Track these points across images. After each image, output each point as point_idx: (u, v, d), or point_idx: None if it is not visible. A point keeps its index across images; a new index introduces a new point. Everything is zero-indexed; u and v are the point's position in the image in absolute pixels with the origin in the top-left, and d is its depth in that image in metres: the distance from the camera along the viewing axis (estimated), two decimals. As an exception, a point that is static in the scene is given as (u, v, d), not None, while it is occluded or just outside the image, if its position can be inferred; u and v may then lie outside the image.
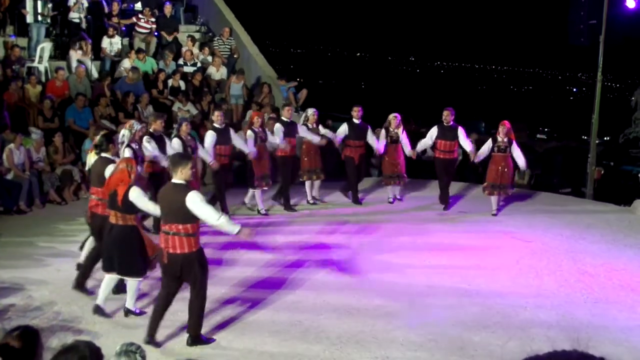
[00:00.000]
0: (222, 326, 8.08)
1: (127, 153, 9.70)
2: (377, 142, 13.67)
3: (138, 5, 18.55)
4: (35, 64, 15.95)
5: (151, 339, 7.48)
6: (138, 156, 9.78)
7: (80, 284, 8.97)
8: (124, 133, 10.01)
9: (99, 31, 17.17)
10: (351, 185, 14.00)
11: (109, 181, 8.15)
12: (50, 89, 15.14)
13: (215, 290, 9.04)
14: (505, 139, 12.80)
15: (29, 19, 16.26)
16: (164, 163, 10.60)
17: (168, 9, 18.16)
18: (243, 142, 12.48)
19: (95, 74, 16.35)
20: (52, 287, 9.16)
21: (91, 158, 9.61)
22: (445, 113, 13.31)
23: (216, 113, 12.44)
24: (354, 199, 13.86)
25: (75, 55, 16.06)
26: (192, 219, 7.28)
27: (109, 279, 8.32)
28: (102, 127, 13.95)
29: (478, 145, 13.68)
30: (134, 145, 10.00)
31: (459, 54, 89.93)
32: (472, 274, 9.88)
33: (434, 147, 13.52)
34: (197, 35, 18.73)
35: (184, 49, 17.79)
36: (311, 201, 13.72)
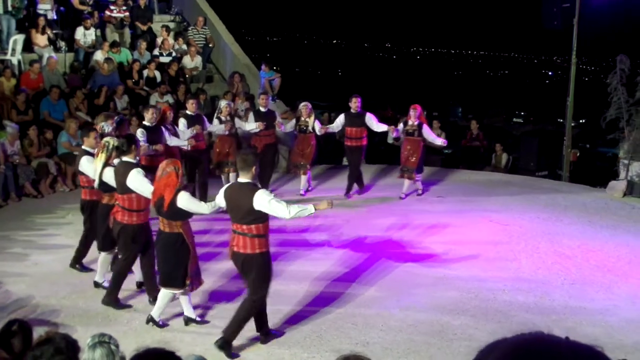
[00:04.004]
0: (205, 314, 8.08)
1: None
2: (282, 127, 13.33)
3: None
4: (8, 57, 15.73)
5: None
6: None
7: (152, 292, 8.30)
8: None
9: (72, 22, 16.98)
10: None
11: (156, 187, 7.51)
12: (25, 81, 14.95)
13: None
14: (416, 123, 12.77)
15: (-2, 10, 15.98)
16: None
17: (142, -2, 17.98)
18: (177, 139, 11.62)
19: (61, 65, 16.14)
20: (30, 280, 9.09)
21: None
22: (353, 100, 13.03)
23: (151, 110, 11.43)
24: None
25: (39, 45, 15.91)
26: (259, 219, 7.10)
27: (163, 293, 7.77)
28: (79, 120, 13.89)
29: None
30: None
31: (435, 39, 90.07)
32: (450, 258, 9.95)
33: (344, 134, 13.37)
34: (171, 25, 18.58)
35: (158, 39, 17.64)
36: None
